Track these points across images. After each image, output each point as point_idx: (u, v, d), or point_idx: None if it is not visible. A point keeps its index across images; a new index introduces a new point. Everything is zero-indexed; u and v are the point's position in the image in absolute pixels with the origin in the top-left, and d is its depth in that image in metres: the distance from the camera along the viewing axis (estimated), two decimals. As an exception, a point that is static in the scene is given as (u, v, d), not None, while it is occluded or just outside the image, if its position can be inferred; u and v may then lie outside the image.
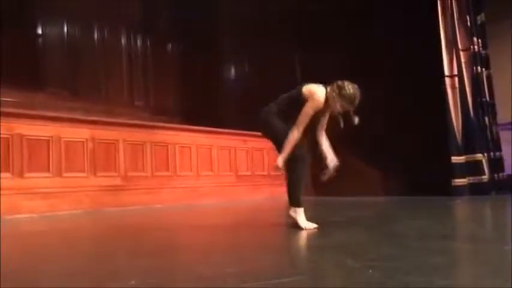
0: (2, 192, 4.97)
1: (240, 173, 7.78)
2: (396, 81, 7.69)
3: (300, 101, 3.45)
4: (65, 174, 5.64)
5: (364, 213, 4.90)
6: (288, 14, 8.60)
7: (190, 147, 7.22)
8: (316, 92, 3.45)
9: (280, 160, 3.45)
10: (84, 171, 5.85)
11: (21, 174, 5.24)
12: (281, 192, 8.37)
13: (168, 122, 7.74)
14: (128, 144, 6.38)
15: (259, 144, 8.13)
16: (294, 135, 3.41)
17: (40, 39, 7.66)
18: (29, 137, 5.35)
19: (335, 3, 8.09)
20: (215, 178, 7.44)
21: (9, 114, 5.30)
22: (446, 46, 6.97)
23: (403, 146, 7.38)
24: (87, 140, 5.91)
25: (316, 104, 3.43)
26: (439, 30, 6.97)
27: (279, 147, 3.50)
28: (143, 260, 2.40)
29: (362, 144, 7.77)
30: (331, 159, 3.67)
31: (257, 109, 3.60)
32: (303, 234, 3.22)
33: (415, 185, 6.78)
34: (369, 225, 3.78)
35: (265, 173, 8.22)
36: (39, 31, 7.64)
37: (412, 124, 7.40)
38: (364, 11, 7.91)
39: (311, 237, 3.14)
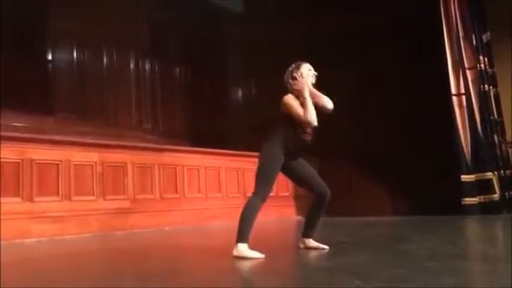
0: (12, 216, 4.99)
1: (248, 195, 7.69)
2: (404, 100, 7.71)
3: (283, 116, 3.41)
4: (74, 198, 5.65)
5: (375, 233, 4.86)
6: (296, 36, 8.68)
7: (198, 169, 7.23)
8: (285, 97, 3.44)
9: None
10: (93, 195, 5.85)
11: (30, 199, 5.25)
12: (289, 213, 8.35)
13: (176, 145, 7.76)
14: (136, 167, 6.40)
15: (267, 165, 8.11)
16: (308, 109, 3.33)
17: (50, 65, 7.77)
18: (38, 161, 5.38)
19: (343, 25, 8.17)
20: (223, 200, 7.42)
21: (19, 139, 5.35)
22: (453, 65, 6.99)
23: (413, 166, 7.35)
24: (96, 163, 5.94)
25: (290, 98, 3.41)
26: (445, 49, 7.00)
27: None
28: (151, 283, 2.38)
29: (372, 165, 7.76)
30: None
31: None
32: (312, 256, 3.19)
33: (425, 204, 6.73)
34: (379, 246, 3.74)
35: (273, 194, 8.16)
36: (49, 56, 7.76)
37: (421, 143, 7.39)
38: (372, 32, 7.98)
39: (320, 258, 3.11)
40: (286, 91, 3.54)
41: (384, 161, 7.54)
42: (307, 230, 3.53)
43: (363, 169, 7.96)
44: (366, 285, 2.02)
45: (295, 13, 8.67)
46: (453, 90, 6.94)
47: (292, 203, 8.46)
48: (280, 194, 8.31)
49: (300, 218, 8.34)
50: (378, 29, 7.96)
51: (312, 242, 3.49)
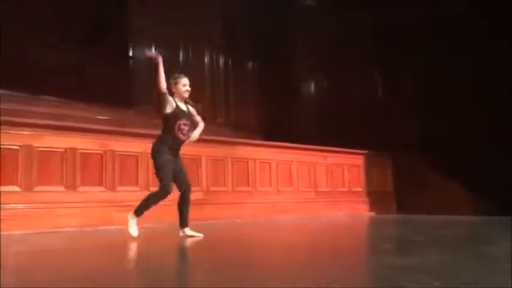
0: (96, 204, 5.34)
1: (319, 189, 7.70)
2: (482, 96, 7.31)
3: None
4: (152, 189, 5.89)
5: (452, 233, 4.66)
6: (365, 28, 8.50)
7: (270, 163, 7.28)
8: None
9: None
10: (169, 186, 6.07)
11: (113, 188, 5.57)
12: (361, 209, 8.20)
13: (248, 138, 7.87)
14: (210, 159, 6.56)
15: (339, 160, 8.02)
16: None
17: (131, 61, 8.18)
18: (120, 153, 5.69)
19: (413, 17, 7.90)
20: (295, 194, 7.43)
21: (102, 131, 5.70)
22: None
23: (496, 163, 6.97)
24: (172, 155, 6.15)
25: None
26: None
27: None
28: (218, 273, 2.44)
29: (453, 162, 7.42)
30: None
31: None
32: (384, 253, 3.12)
33: (508, 204, 6.35)
34: (458, 246, 3.58)
35: (345, 189, 8.07)
36: (130, 53, 8.16)
37: (506, 139, 6.98)
38: (441, 26, 7.62)
39: (393, 256, 3.04)
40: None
41: (463, 156, 7.19)
42: (181, 221, 4.27)
43: (441, 166, 7.63)
44: (438, 285, 1.94)
45: (364, 5, 8.48)
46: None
47: (365, 198, 8.31)
48: (353, 189, 8.19)
49: (372, 214, 8.18)
50: (447, 19, 7.58)
51: (187, 231, 4.19)
